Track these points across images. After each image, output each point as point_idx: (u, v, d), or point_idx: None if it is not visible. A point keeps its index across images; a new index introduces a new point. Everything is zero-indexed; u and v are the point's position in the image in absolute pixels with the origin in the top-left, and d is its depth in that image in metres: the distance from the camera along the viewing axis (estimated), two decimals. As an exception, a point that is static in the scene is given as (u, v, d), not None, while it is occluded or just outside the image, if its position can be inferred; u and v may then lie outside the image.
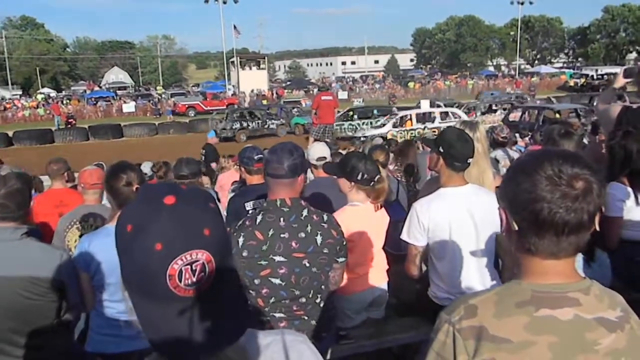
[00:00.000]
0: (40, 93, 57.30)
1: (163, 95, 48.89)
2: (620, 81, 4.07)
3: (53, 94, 60.21)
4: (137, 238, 0.86)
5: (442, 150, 2.80)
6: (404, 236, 2.86)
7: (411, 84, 51.32)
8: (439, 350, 1.26)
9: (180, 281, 0.85)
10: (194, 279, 0.86)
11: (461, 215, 2.74)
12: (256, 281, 2.32)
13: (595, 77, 45.73)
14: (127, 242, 0.87)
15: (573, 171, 1.16)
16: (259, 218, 2.36)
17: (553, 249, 1.20)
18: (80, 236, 3.23)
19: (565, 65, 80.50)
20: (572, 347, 1.16)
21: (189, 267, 0.85)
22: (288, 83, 64.33)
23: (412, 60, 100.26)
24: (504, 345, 1.17)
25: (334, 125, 12.88)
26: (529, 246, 1.22)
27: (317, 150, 4.01)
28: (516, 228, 1.24)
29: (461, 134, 2.84)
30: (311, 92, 42.38)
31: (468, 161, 2.77)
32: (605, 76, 44.71)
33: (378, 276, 3.26)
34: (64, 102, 44.95)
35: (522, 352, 1.17)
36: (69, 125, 30.56)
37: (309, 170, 4.14)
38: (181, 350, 0.88)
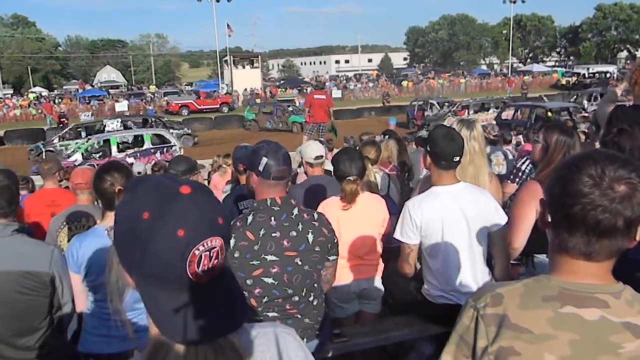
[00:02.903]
0: (32, 92, 56.89)
1: (156, 94, 48.70)
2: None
3: (45, 93, 59.84)
4: (156, 225, 0.87)
5: (429, 149, 2.82)
6: (397, 235, 2.87)
7: (405, 83, 51.34)
8: (462, 333, 1.30)
9: (198, 267, 0.88)
10: (210, 265, 0.89)
11: (453, 213, 2.75)
12: (249, 281, 2.32)
13: (586, 75, 46.01)
14: (143, 229, 0.88)
15: (617, 173, 1.14)
16: (250, 218, 2.36)
17: (583, 248, 1.19)
18: (72, 236, 3.21)
19: (557, 63, 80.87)
20: (593, 347, 1.16)
21: (208, 253, 0.89)
22: (282, 82, 64.22)
23: (405, 59, 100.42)
24: (524, 335, 1.19)
25: (327, 124, 12.87)
26: (559, 242, 1.22)
27: (315, 150, 4.01)
28: (549, 220, 1.24)
29: (448, 132, 2.84)
30: (305, 90, 42.31)
31: (455, 159, 2.77)
32: (596, 74, 45.04)
33: (365, 269, 3.30)
34: (56, 101, 44.66)
35: (542, 344, 1.17)
36: (61, 125, 30.33)
37: (301, 168, 4.16)
38: (190, 335, 0.89)
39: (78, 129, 20.83)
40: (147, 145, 17.28)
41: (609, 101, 4.23)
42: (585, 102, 23.72)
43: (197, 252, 0.87)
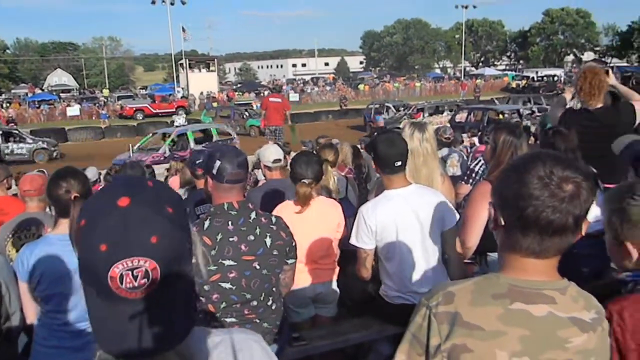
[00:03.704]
0: (-22, 97, 54.68)
1: (109, 98, 47.53)
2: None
3: (-9, 97, 57.57)
4: (86, 234, 0.86)
5: (372, 156, 2.87)
6: (352, 241, 2.90)
7: (361, 86, 51.80)
8: (415, 331, 1.32)
9: (122, 284, 0.85)
10: (135, 284, 0.85)
11: (406, 215, 2.79)
12: (206, 287, 2.30)
13: (535, 78, 47.59)
14: (79, 236, 0.87)
15: (564, 174, 1.18)
16: (207, 223, 2.34)
17: (535, 248, 1.22)
18: (22, 245, 3.10)
19: (507, 67, 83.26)
20: (542, 342, 1.20)
21: (130, 272, 0.84)
22: (239, 85, 63.82)
23: (361, 62, 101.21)
24: (475, 332, 1.21)
25: (282, 128, 12.94)
26: (512, 243, 1.25)
27: (272, 153, 4.00)
28: (502, 223, 1.26)
29: (388, 138, 2.87)
30: (262, 94, 42.18)
31: (396, 164, 2.79)
32: (544, 78, 46.67)
33: (321, 273, 3.31)
34: (4, 105, 42.95)
35: (493, 341, 1.20)
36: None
37: (260, 171, 4.15)
38: (126, 350, 0.87)
39: None
40: (215, 137, 19.05)
41: (560, 105, 4.44)
42: (520, 105, 24.67)
43: (116, 270, 0.84)
